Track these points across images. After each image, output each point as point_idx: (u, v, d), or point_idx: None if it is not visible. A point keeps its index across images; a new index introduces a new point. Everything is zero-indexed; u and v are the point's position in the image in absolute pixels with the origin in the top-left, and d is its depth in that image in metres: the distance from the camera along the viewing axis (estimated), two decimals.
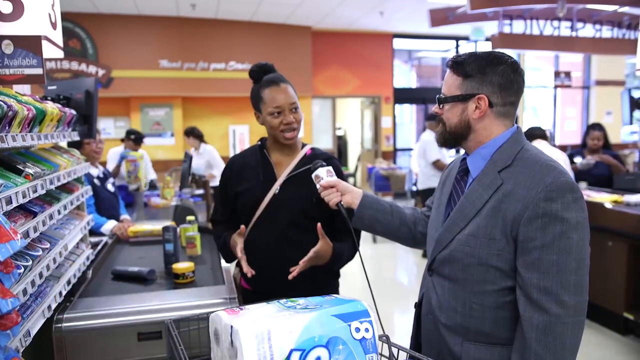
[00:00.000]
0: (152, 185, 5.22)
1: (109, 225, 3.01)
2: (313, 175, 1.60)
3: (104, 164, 3.78)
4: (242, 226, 1.75)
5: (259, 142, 1.90)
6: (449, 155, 5.73)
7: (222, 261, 2.29)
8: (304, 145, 1.89)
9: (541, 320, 1.15)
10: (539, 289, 1.16)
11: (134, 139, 5.41)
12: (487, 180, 1.26)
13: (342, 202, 1.54)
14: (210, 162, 6.13)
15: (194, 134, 6.16)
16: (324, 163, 1.61)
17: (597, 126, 4.71)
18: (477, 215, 1.25)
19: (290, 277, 1.65)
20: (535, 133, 4.41)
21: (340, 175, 1.75)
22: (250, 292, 1.87)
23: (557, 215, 1.15)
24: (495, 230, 1.21)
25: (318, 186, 1.58)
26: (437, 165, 5.54)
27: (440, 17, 7.16)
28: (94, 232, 2.92)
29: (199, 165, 5.92)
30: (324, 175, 1.57)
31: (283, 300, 1.07)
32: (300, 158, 1.82)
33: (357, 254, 1.53)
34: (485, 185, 1.26)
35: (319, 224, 1.67)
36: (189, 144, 6.26)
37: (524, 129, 4.81)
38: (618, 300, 3.55)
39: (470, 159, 1.34)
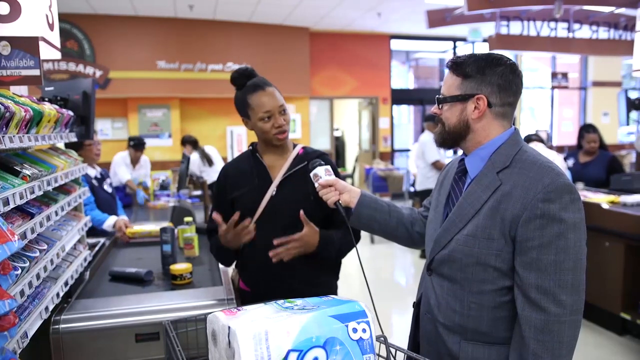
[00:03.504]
0: (163, 186, 5.23)
1: (110, 221, 3.02)
2: (311, 174, 1.59)
3: (102, 165, 3.77)
4: (237, 212, 1.71)
5: (250, 147, 1.90)
6: (447, 157, 5.73)
7: None
8: (295, 145, 1.89)
9: (539, 319, 1.17)
10: (536, 288, 1.17)
11: (133, 145, 5.40)
12: (485, 181, 1.27)
13: (340, 201, 1.54)
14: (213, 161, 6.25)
15: (188, 142, 6.29)
16: (322, 162, 1.61)
17: (592, 128, 4.73)
18: (476, 215, 1.26)
19: (275, 259, 1.68)
20: (531, 138, 4.48)
21: (335, 172, 1.75)
22: (248, 294, 1.87)
23: (555, 215, 1.16)
24: (494, 231, 1.22)
25: (316, 185, 1.58)
26: (437, 165, 5.53)
27: (437, 18, 7.17)
28: (96, 229, 2.91)
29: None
30: (322, 174, 1.57)
31: (280, 301, 1.07)
32: (293, 158, 1.83)
33: (356, 255, 1.53)
34: (484, 185, 1.27)
35: (301, 212, 1.68)
36: (187, 151, 6.32)
37: (522, 130, 4.86)
38: (615, 301, 3.56)
39: (468, 159, 1.35)
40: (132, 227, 2.98)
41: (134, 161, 5.48)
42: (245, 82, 1.80)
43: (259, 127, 1.77)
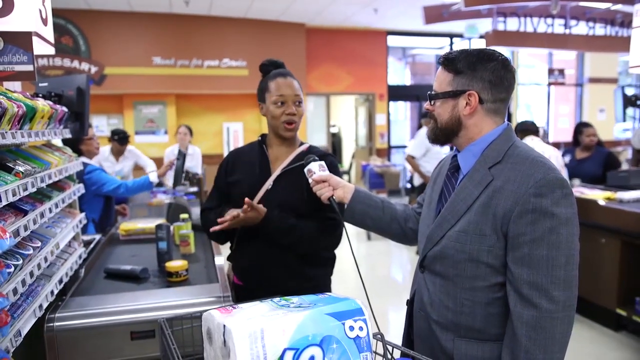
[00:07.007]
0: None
1: (152, 176, 3.31)
2: (305, 170, 1.60)
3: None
4: (247, 199, 1.70)
5: (260, 138, 1.91)
6: (434, 159, 5.60)
7: (216, 259, 2.29)
8: (302, 143, 1.89)
9: (531, 315, 1.16)
10: (529, 284, 1.17)
11: (118, 139, 5.25)
12: (477, 177, 1.27)
13: (333, 197, 1.54)
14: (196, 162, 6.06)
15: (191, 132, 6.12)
16: (316, 158, 1.61)
17: (588, 124, 4.78)
18: (468, 211, 1.25)
19: (212, 229, 1.73)
20: (527, 128, 4.36)
21: (337, 171, 1.75)
22: (242, 288, 1.88)
23: (547, 210, 1.15)
24: (486, 227, 1.22)
25: (310, 180, 1.58)
26: (409, 160, 5.60)
27: (434, 14, 7.16)
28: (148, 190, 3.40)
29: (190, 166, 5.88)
30: (316, 169, 1.57)
31: (276, 299, 1.06)
32: (297, 154, 1.82)
33: (352, 254, 1.53)
34: (476, 181, 1.26)
35: (246, 199, 1.66)
36: (183, 143, 6.10)
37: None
38: (610, 297, 3.57)
39: (461, 155, 1.35)
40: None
41: (117, 154, 5.35)
42: (271, 70, 1.86)
43: (271, 111, 1.79)
